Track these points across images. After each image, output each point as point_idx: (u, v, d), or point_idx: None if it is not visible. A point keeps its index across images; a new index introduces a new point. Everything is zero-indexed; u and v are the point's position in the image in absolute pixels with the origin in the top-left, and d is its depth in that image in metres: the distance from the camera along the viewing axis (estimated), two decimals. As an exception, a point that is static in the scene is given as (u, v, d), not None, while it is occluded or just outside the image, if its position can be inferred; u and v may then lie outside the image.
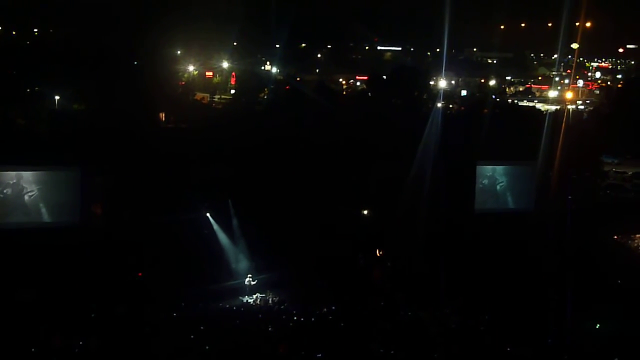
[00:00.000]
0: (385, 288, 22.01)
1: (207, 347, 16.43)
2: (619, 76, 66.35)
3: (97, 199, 22.84)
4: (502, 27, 60.78)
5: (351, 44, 67.94)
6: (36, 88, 31.10)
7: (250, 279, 22.40)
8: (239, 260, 24.32)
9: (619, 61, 75.28)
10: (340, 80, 55.03)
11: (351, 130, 26.37)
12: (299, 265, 23.40)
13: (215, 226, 24.89)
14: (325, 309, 20.51)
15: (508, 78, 63.43)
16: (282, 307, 21.20)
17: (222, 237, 24.85)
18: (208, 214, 24.89)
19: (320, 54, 65.50)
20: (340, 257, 23.99)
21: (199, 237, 24.24)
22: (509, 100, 44.57)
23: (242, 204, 25.00)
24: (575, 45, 43.46)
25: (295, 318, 19.75)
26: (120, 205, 23.05)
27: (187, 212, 23.93)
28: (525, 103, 47.31)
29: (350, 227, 25.11)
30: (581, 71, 61.48)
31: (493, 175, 27.04)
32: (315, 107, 28.64)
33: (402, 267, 23.23)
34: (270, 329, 18.52)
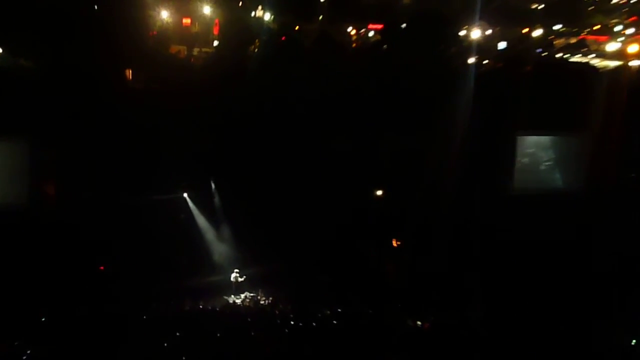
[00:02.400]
0: (401, 286, 22.29)
1: (183, 358, 16.42)
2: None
3: (49, 176, 22.92)
4: (548, -36, 59.39)
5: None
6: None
7: (237, 275, 22.73)
8: (224, 251, 24.69)
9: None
10: (349, 30, 54.02)
11: (360, 94, 25.90)
12: (296, 257, 23.62)
13: (194, 209, 25.04)
14: (328, 312, 20.61)
15: (556, 28, 62.20)
16: (276, 308, 21.29)
17: (202, 222, 25.04)
18: (185, 195, 24.96)
19: (324, -3, 64.33)
20: (346, 247, 24.28)
21: (175, 222, 24.44)
22: (558, 55, 43.48)
23: (226, 183, 25.15)
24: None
25: (292, 322, 19.74)
26: (77, 184, 23.02)
27: (160, 193, 24.09)
28: (577, 58, 46.28)
29: (359, 212, 25.18)
30: (649, 19, 60.12)
31: (536, 148, 26.59)
32: (317, 65, 27.84)
33: (423, 261, 23.36)
34: (261, 335, 18.51)
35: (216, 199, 25.26)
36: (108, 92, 24.62)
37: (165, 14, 50.21)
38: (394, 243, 25.76)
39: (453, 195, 24.70)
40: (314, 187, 24.49)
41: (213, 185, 25.27)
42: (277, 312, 20.34)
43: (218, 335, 18.39)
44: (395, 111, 25.67)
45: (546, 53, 41.59)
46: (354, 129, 25.51)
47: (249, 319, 19.54)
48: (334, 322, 19.91)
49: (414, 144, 25.63)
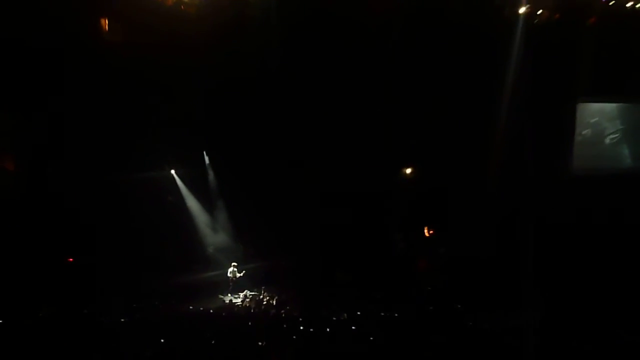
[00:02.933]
0: (436, 285, 22.03)
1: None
2: None
3: (7, 148, 22.75)
4: None
5: None
6: None
7: (235, 269, 22.45)
8: (219, 242, 24.74)
9: None
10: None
11: (382, 42, 24.58)
12: (306, 250, 23.60)
13: (184, 190, 24.87)
14: (345, 315, 19.77)
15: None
16: (283, 311, 20.40)
17: (193, 206, 24.90)
18: (173, 172, 24.70)
19: None
20: (369, 237, 24.12)
21: (160, 206, 24.27)
22: (629, 4, 41.79)
23: (223, 158, 24.89)
24: None
25: (301, 327, 18.61)
26: (42, 159, 23.17)
27: (143, 170, 23.65)
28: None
29: (384, 195, 24.99)
30: None
31: (600, 118, 25.64)
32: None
33: (462, 254, 23.50)
34: (263, 343, 17.50)
35: (210, 178, 25.09)
36: (78, 46, 23.53)
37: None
38: (426, 232, 25.43)
39: (499, 174, 24.16)
40: (330, 163, 24.34)
41: (207, 160, 24.99)
42: (283, 314, 19.92)
43: (212, 342, 17.34)
44: (421, 70, 24.75)
45: (614, 1, 40.33)
46: (382, 92, 24.83)
47: (249, 323, 18.88)
48: (353, 327, 18.69)
49: (448, 110, 24.94)
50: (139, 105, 23.67)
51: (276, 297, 21.23)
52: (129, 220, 22.85)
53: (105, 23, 27.94)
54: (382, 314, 19.98)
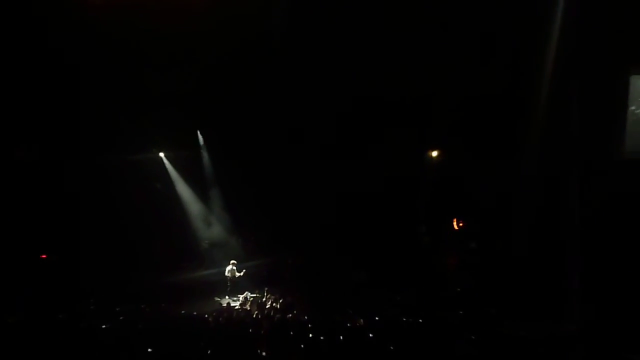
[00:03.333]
0: (466, 285, 21.91)
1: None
2: None
3: None
4: None
5: None
6: None
7: (234, 268, 22.32)
8: (215, 236, 24.73)
9: None
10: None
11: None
12: (317, 243, 23.69)
13: (175, 176, 24.85)
14: (361, 320, 19.23)
15: None
16: (289, 315, 20.05)
17: (185, 194, 24.89)
18: (162, 155, 24.70)
19: None
20: (389, 230, 24.18)
21: (148, 193, 24.36)
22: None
23: (221, 138, 24.86)
24: None
25: (310, 335, 18.10)
26: (10, 139, 23.14)
27: (128, 152, 23.73)
28: None
29: (405, 180, 25.08)
30: None
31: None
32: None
33: (496, 250, 23.28)
34: (266, 352, 17.20)
35: (205, 161, 25.10)
36: (59, 16, 22.72)
37: None
38: (455, 225, 25.31)
39: (539, 157, 23.56)
40: (343, 143, 24.63)
41: (201, 141, 24.97)
42: (290, 319, 19.53)
43: (208, 352, 16.93)
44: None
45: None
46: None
47: (250, 330, 18.55)
48: (370, 335, 18.22)
49: (484, 87, 24.48)
50: (124, 79, 23.44)
51: (281, 300, 20.87)
52: (110, 211, 22.98)
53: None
54: (404, 319, 19.55)
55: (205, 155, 24.94)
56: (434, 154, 26.52)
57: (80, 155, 22.60)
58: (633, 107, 23.54)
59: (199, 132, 24.63)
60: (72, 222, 22.43)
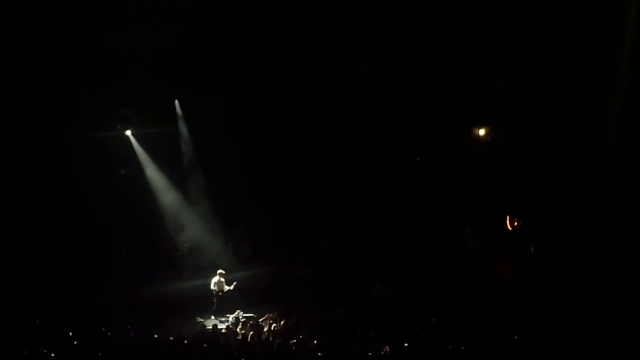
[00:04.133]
0: (522, 300, 21.96)
1: None
2: None
3: None
4: None
5: None
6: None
7: (222, 280, 22.39)
8: (197, 238, 24.66)
9: None
10: None
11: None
12: (329, 249, 23.90)
13: (145, 159, 24.70)
14: (387, 348, 18.79)
15: None
16: (294, 341, 19.49)
17: (157, 182, 24.72)
18: (129, 134, 24.64)
19: None
20: (421, 231, 24.30)
21: (109, 181, 24.28)
22: None
23: (204, 107, 24.58)
24: None
25: (322, 366, 18.81)
26: None
27: (86, 129, 23.66)
28: None
29: (444, 166, 25.28)
30: None
31: None
32: None
33: (563, 254, 23.27)
34: None
35: (184, 140, 25.08)
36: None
37: None
38: (509, 225, 25.10)
39: (611, 143, 23.89)
40: (359, 122, 24.80)
41: (179, 112, 24.73)
42: (294, 346, 19.09)
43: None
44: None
45: None
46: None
47: (242, 359, 18.20)
48: None
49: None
50: (80, 34, 23.24)
51: (283, 321, 20.40)
52: (60, 204, 23.03)
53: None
54: (441, 345, 19.07)
55: (183, 131, 24.97)
56: (481, 132, 26.58)
57: (22, 134, 22.90)
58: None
59: (176, 102, 24.61)
60: (10, 218, 22.77)
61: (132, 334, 19.98)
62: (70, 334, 19.22)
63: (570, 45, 24.46)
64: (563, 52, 24.64)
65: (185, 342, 19.14)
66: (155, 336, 19.71)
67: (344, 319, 20.94)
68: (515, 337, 18.90)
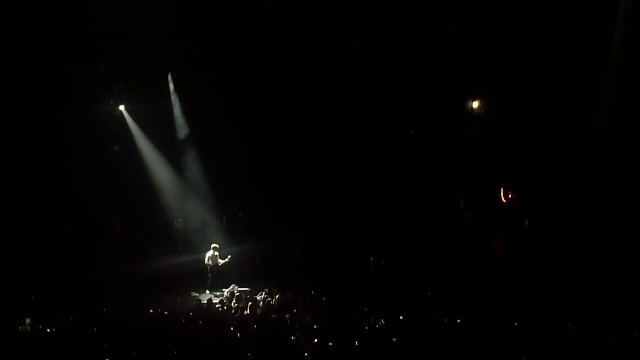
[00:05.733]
0: (518, 274, 22.16)
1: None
2: None
3: None
4: None
5: None
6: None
7: (217, 254, 22.47)
8: (191, 213, 24.71)
9: None
10: None
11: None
12: (324, 223, 23.72)
13: (138, 134, 24.59)
14: (382, 321, 18.95)
15: None
16: (288, 315, 19.56)
17: (151, 158, 24.76)
18: (123, 109, 24.59)
19: None
20: (416, 205, 24.34)
21: (102, 156, 24.29)
22: None
23: (199, 81, 24.64)
24: None
25: (316, 340, 17.76)
26: None
27: (78, 104, 23.49)
28: None
29: (437, 139, 25.40)
30: None
31: None
32: None
33: (557, 228, 23.37)
34: None
35: (177, 115, 25.04)
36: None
37: None
38: (503, 197, 25.46)
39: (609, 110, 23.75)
40: (356, 98, 24.87)
41: (171, 87, 24.74)
42: (289, 321, 19.17)
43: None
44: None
45: None
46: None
47: (238, 334, 18.45)
48: (394, 339, 17.92)
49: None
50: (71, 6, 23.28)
51: (278, 295, 20.62)
52: (56, 181, 22.90)
53: None
54: (437, 319, 19.30)
55: (177, 106, 24.89)
56: (475, 105, 26.58)
57: (14, 109, 22.74)
58: None
59: (169, 76, 24.49)
60: (9, 195, 22.74)
61: (127, 311, 20.00)
62: (67, 309, 19.27)
63: (567, 15, 24.24)
64: (559, 23, 24.44)
65: (181, 318, 19.41)
66: (150, 310, 19.89)
67: (338, 293, 20.76)
68: (510, 312, 19.26)
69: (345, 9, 24.47)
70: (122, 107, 24.48)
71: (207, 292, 21.93)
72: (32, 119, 23.31)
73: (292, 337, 17.77)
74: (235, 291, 21.57)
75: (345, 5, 24.42)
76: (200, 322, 19.14)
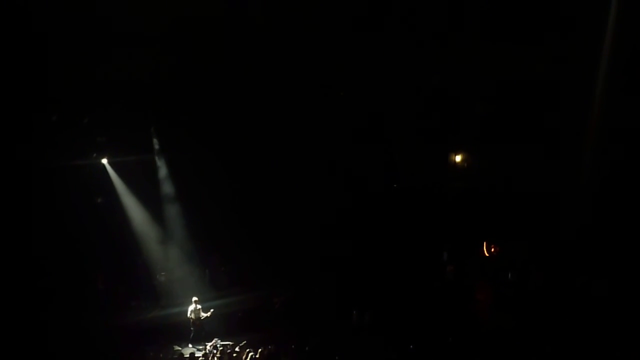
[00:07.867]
0: (502, 327, 21.95)
1: None
2: None
3: None
4: None
5: None
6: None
7: (199, 307, 22.33)
8: (174, 266, 24.70)
9: None
10: None
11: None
12: (309, 276, 23.95)
13: (120, 187, 24.62)
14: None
15: None
16: None
17: (135, 211, 24.75)
18: (105, 162, 24.51)
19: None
20: (401, 259, 24.44)
21: (86, 210, 24.14)
22: None
23: (182, 138, 24.73)
24: None
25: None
26: None
27: (62, 157, 23.37)
28: None
29: (423, 192, 25.66)
30: None
31: None
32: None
33: (540, 281, 23.44)
34: None
35: (161, 170, 25.14)
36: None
37: None
38: (486, 251, 25.43)
39: (598, 162, 23.76)
40: (338, 142, 24.93)
41: (156, 144, 24.80)
42: None
43: None
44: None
45: None
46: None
47: None
48: None
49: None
50: (57, 62, 23.02)
51: (261, 349, 20.23)
52: (38, 233, 22.82)
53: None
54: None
55: (161, 161, 24.90)
56: (458, 158, 26.67)
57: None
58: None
59: (153, 132, 24.48)
60: None
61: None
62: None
63: (548, 68, 24.38)
64: (541, 76, 24.61)
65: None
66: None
67: (321, 346, 20.53)
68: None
69: (329, 70, 24.65)
70: (104, 160, 24.48)
71: (190, 345, 21.78)
72: (17, 170, 23.11)
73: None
74: (218, 345, 21.32)
75: (329, 68, 24.57)
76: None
